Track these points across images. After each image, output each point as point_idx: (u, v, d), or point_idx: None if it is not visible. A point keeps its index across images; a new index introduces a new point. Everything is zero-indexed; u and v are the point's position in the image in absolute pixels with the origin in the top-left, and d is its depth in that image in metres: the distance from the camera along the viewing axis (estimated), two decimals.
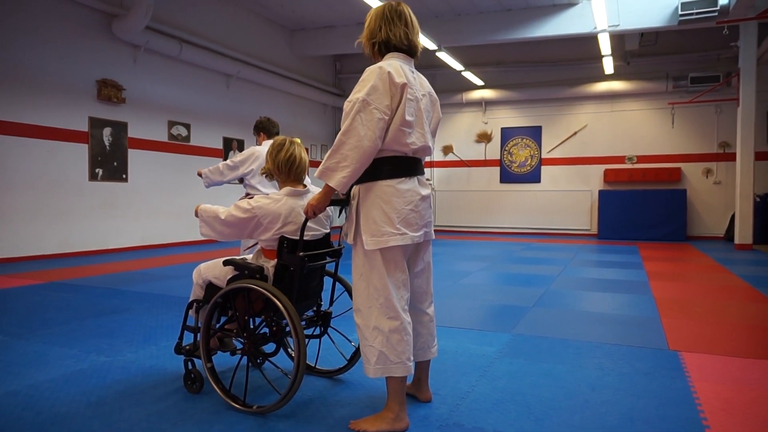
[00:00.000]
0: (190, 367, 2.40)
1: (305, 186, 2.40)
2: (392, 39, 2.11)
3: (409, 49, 2.14)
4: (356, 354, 2.56)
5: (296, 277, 2.19)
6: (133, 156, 8.23)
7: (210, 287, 2.41)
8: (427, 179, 11.04)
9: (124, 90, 7.97)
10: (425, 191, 2.13)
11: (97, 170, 7.67)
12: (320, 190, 2.10)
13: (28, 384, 2.47)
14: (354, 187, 2.11)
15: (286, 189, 2.33)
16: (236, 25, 10.05)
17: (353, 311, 2.12)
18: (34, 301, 4.34)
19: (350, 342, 2.68)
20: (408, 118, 2.02)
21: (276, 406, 2.12)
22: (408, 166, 2.09)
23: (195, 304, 2.44)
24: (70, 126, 7.29)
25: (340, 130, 2.00)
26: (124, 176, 8.08)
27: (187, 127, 9.23)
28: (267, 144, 4.38)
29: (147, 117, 8.45)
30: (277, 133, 4.48)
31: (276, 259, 2.26)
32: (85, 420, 2.08)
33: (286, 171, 2.35)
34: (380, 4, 2.18)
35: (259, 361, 2.23)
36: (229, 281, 2.30)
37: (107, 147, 7.82)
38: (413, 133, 2.06)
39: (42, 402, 2.26)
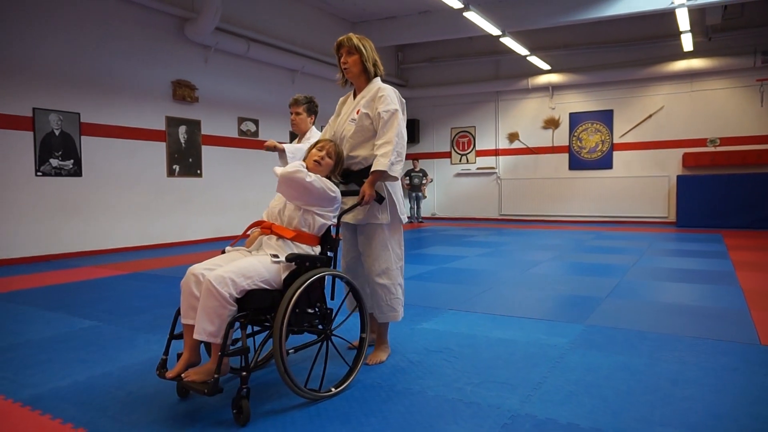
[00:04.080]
0: (244, 393, 1.98)
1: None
2: (381, 66, 2.73)
3: None
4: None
5: (335, 258, 2.48)
6: (206, 152, 8.63)
7: (253, 293, 2.06)
8: (492, 167, 10.77)
9: (196, 89, 8.35)
10: None
11: (174, 167, 8.10)
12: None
13: (119, 366, 2.66)
14: (378, 182, 2.57)
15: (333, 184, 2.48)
16: (300, 21, 10.26)
17: (377, 275, 2.61)
18: (122, 290, 4.67)
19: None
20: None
21: (349, 379, 2.32)
22: None
23: (238, 322, 2.01)
24: (149, 126, 7.75)
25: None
26: (198, 172, 8.49)
27: (256, 122, 9.55)
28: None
29: (218, 114, 8.82)
30: None
31: (319, 246, 2.37)
32: (172, 403, 2.22)
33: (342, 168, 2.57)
34: (360, 37, 2.66)
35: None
36: (288, 278, 2.16)
37: (183, 144, 8.24)
38: None
39: (132, 383, 2.43)
